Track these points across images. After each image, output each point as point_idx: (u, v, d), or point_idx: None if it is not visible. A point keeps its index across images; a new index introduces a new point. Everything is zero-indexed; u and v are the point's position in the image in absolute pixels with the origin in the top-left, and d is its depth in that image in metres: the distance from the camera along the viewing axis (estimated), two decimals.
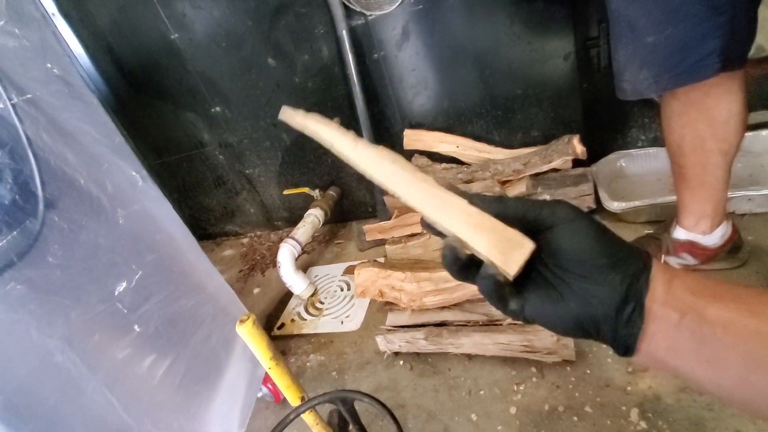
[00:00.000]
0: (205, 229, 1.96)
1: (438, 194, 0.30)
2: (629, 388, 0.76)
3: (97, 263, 0.64)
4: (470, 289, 0.89)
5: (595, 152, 1.23)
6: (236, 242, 1.90)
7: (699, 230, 0.90)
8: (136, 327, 0.68)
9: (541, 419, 0.77)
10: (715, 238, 0.90)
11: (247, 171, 1.69)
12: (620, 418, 0.73)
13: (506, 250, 0.27)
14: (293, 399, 0.72)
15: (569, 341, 0.80)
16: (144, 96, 1.62)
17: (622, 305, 0.26)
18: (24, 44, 0.62)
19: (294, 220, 1.48)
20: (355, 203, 1.64)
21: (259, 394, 0.98)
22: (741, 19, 0.67)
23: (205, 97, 1.54)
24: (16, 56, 0.60)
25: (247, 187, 1.74)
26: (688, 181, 0.86)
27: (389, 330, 0.96)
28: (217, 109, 1.55)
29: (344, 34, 1.22)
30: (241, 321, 0.64)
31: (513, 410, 0.80)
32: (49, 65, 0.64)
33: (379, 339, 0.96)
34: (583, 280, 0.27)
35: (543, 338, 0.81)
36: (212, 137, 1.64)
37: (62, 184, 0.62)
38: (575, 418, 0.75)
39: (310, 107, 1.46)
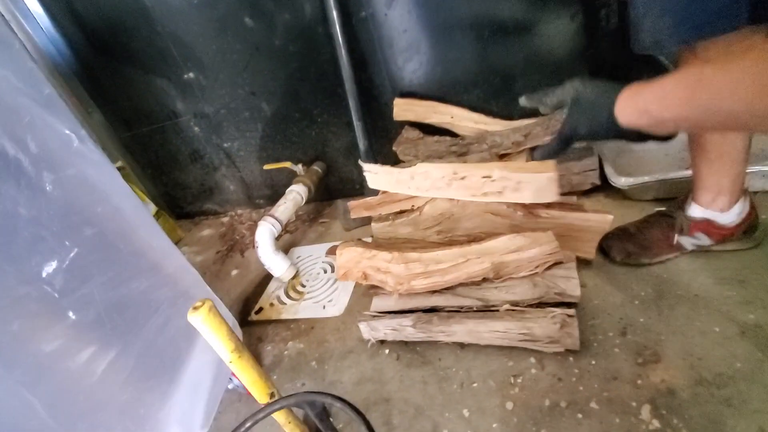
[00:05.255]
0: (182, 207, 1.84)
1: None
2: (639, 382, 0.68)
3: (16, 238, 0.53)
4: (463, 271, 0.80)
5: None
6: (216, 221, 1.79)
7: (716, 207, 0.81)
8: (70, 314, 0.58)
9: (541, 416, 0.69)
10: (732, 215, 0.82)
11: (225, 144, 1.56)
12: (630, 415, 0.65)
13: None
14: (260, 396, 0.62)
15: (573, 329, 0.72)
16: (110, 60, 1.47)
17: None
18: None
19: (276, 197, 1.37)
20: (342, 180, 1.53)
21: (230, 386, 0.89)
22: None
23: (177, 62, 1.40)
24: None
25: (225, 162, 1.62)
26: (706, 152, 0.77)
27: (374, 316, 0.87)
28: (191, 75, 1.42)
29: None
30: (195, 308, 0.54)
31: (510, 405, 0.72)
32: None
33: (362, 326, 0.86)
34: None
35: (544, 325, 0.72)
36: (186, 107, 1.50)
37: None
38: (579, 415, 0.67)
39: (292, 73, 1.34)
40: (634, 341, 0.74)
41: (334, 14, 1.13)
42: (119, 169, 1.55)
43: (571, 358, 0.75)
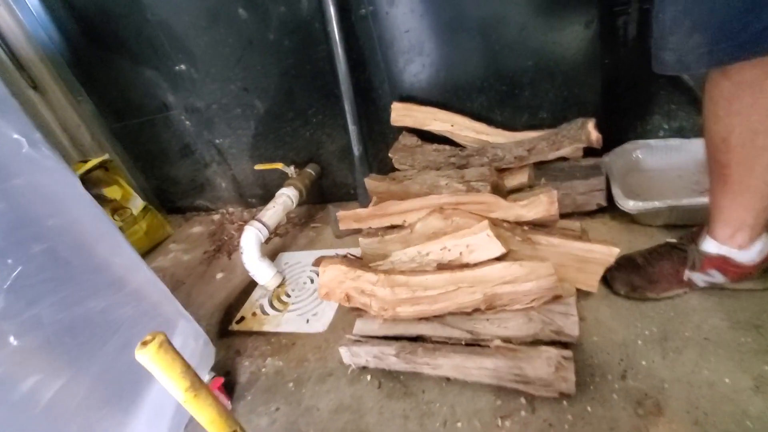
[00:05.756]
0: (174, 202, 1.79)
1: None
2: None
3: None
4: (453, 301, 0.74)
5: (609, 140, 1.06)
6: (207, 218, 1.73)
7: (735, 244, 0.74)
8: (11, 339, 0.52)
9: None
10: (752, 253, 0.75)
11: (217, 141, 1.50)
12: None
13: None
14: None
15: (569, 373, 0.65)
16: (100, 47, 1.41)
17: None
18: None
19: (269, 197, 1.31)
20: (336, 183, 1.46)
21: None
22: None
23: (167, 53, 1.33)
24: None
25: (217, 158, 1.56)
26: (729, 183, 0.69)
27: (356, 341, 0.81)
28: (182, 67, 1.35)
29: None
30: (143, 344, 0.48)
31: None
32: None
33: (342, 351, 0.81)
34: None
35: (537, 367, 0.66)
36: (177, 100, 1.44)
37: None
38: None
39: (286, 70, 1.27)
40: (635, 387, 0.68)
41: (331, 10, 1.06)
42: (106, 161, 1.50)
43: (564, 402, 0.69)
